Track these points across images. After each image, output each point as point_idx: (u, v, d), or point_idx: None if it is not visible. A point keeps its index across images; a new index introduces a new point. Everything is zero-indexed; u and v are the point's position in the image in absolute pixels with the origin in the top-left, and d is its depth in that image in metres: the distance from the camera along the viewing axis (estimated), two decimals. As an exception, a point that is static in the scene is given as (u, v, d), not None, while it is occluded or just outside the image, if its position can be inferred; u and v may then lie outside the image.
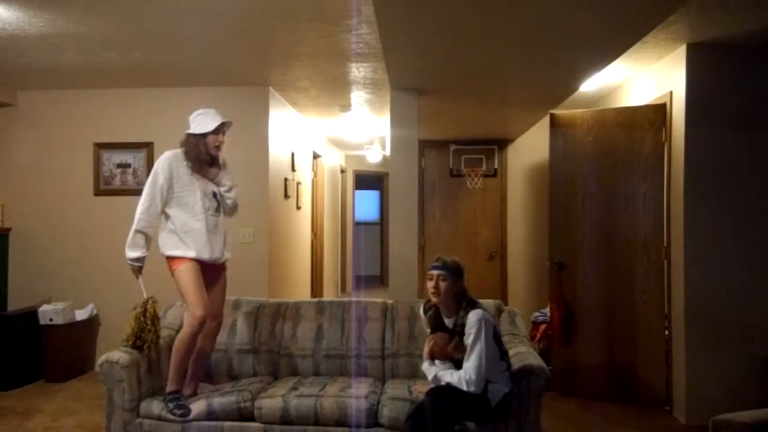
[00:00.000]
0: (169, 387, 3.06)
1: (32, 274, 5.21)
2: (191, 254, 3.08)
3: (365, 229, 11.29)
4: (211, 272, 3.18)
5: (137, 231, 3.10)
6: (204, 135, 3.13)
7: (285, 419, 2.95)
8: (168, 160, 3.14)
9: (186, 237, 3.09)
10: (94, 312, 5.16)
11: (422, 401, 2.68)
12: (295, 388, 3.12)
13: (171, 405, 2.98)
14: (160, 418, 2.99)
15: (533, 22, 3.21)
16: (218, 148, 3.17)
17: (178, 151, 3.18)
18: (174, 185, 3.12)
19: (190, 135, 3.16)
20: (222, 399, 3.01)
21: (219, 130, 3.14)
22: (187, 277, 3.05)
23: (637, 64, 4.29)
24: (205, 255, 3.12)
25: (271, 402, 2.99)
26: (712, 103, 3.84)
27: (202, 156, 3.14)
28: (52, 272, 5.19)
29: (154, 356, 3.24)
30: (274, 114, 5.28)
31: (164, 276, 3.19)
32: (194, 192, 3.14)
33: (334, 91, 5.28)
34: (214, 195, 3.22)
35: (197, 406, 3.00)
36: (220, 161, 3.27)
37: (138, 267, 3.13)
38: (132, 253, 3.09)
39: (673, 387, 4.00)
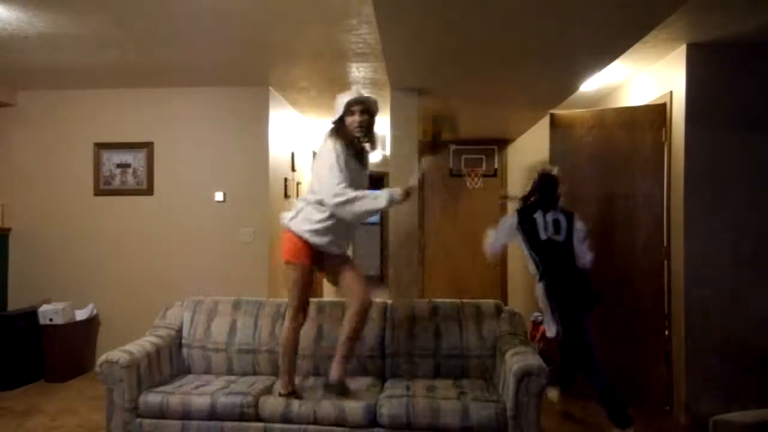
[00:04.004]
0: (284, 389, 3.04)
1: (32, 274, 5.21)
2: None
3: (365, 229, 11.29)
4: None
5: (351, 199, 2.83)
6: (341, 119, 2.98)
7: (286, 418, 2.95)
8: (339, 148, 2.93)
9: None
10: (94, 312, 5.16)
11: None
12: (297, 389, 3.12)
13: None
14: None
15: (533, 22, 3.21)
16: (360, 128, 2.97)
17: (335, 141, 2.97)
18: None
19: (333, 123, 3.02)
20: (225, 399, 3.01)
21: (350, 110, 2.95)
22: (295, 277, 3.02)
23: (637, 64, 4.28)
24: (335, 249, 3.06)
25: (273, 401, 3.00)
26: (712, 103, 3.84)
27: (349, 140, 2.96)
28: (52, 272, 5.20)
29: (154, 355, 3.24)
30: (274, 114, 5.28)
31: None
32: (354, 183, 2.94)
33: (334, 91, 5.25)
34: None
35: (199, 403, 3.00)
36: (371, 144, 3.07)
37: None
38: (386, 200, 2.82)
39: (673, 387, 4.00)
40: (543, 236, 3.70)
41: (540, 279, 3.74)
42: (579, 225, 3.73)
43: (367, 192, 2.88)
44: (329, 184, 2.86)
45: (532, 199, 3.84)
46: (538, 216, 3.74)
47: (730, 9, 3.25)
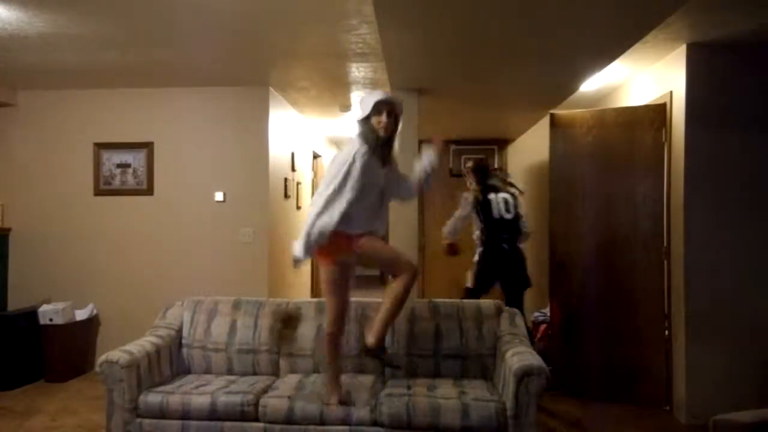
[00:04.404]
0: (378, 342, 2.89)
1: (32, 274, 5.21)
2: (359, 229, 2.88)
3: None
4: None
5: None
6: (367, 119, 2.89)
7: (289, 419, 2.95)
8: (361, 152, 2.83)
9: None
10: (94, 312, 5.16)
11: None
12: (299, 388, 3.13)
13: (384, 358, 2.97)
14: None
15: (533, 22, 3.21)
16: (386, 129, 2.88)
17: (360, 143, 2.88)
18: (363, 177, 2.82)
19: (358, 122, 2.93)
20: (226, 398, 3.01)
21: (378, 110, 2.87)
22: (378, 243, 2.94)
23: (637, 64, 4.28)
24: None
25: (276, 402, 3.00)
26: (712, 103, 3.83)
27: (374, 141, 2.87)
28: (52, 272, 5.19)
29: (154, 355, 3.24)
30: (274, 114, 5.28)
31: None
32: (370, 184, 2.87)
33: (334, 91, 5.28)
34: (381, 193, 2.96)
35: (200, 402, 3.00)
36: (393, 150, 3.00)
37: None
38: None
39: (673, 387, 4.00)
40: (496, 215, 4.34)
41: (481, 246, 4.42)
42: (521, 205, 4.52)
43: (309, 235, 2.79)
44: (323, 194, 2.81)
45: (477, 185, 4.55)
46: (492, 197, 4.39)
47: (730, 9, 3.25)
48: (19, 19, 3.49)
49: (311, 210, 2.84)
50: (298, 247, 2.84)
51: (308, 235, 2.80)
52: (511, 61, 3.97)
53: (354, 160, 2.80)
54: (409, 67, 4.16)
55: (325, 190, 2.82)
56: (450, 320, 3.46)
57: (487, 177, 4.55)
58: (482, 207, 4.39)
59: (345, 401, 2.97)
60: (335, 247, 2.87)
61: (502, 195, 4.40)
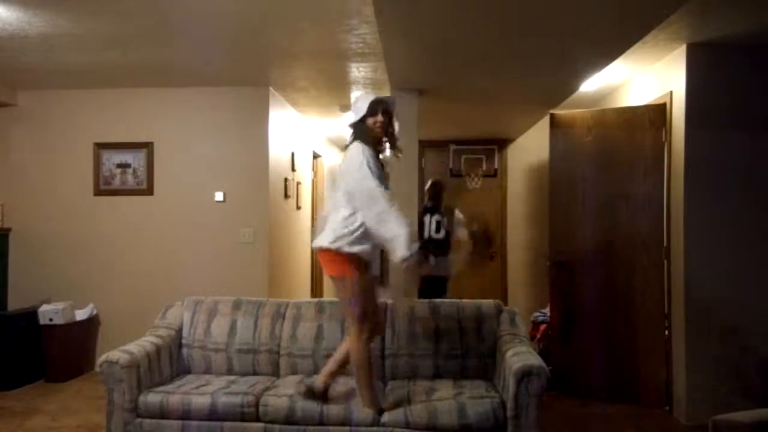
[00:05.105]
0: (370, 406, 2.90)
1: (32, 274, 5.21)
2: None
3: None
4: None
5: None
6: (361, 121, 2.93)
7: (290, 419, 2.95)
8: (364, 151, 2.85)
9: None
10: (94, 312, 5.16)
11: None
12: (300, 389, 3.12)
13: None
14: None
15: (533, 22, 3.22)
16: (383, 129, 2.93)
17: (361, 144, 2.89)
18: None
19: (353, 125, 2.96)
20: (226, 399, 3.01)
21: (373, 110, 2.91)
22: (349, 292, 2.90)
23: (637, 64, 4.28)
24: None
25: (277, 402, 2.99)
26: (712, 103, 3.83)
27: (372, 142, 2.91)
28: (52, 272, 5.19)
29: (154, 355, 3.24)
30: (274, 114, 5.28)
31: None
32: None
33: (334, 91, 5.28)
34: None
35: (200, 403, 3.00)
36: (393, 147, 3.04)
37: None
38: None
39: (673, 387, 4.00)
40: (425, 235, 4.83)
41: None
42: (458, 215, 4.99)
43: (401, 221, 2.75)
44: (366, 188, 2.77)
45: (428, 203, 5.05)
46: (426, 218, 4.88)
47: (730, 9, 3.25)
48: (19, 19, 3.49)
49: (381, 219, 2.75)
50: (404, 248, 2.70)
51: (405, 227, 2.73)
52: (511, 61, 3.97)
53: (365, 159, 2.81)
54: (409, 67, 4.16)
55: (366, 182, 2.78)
56: (450, 320, 3.45)
57: (439, 197, 5.04)
58: (419, 226, 4.78)
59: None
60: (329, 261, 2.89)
61: (435, 217, 4.88)
